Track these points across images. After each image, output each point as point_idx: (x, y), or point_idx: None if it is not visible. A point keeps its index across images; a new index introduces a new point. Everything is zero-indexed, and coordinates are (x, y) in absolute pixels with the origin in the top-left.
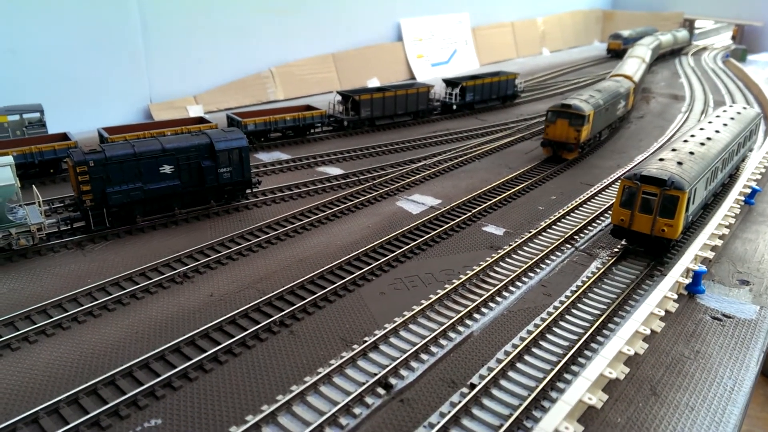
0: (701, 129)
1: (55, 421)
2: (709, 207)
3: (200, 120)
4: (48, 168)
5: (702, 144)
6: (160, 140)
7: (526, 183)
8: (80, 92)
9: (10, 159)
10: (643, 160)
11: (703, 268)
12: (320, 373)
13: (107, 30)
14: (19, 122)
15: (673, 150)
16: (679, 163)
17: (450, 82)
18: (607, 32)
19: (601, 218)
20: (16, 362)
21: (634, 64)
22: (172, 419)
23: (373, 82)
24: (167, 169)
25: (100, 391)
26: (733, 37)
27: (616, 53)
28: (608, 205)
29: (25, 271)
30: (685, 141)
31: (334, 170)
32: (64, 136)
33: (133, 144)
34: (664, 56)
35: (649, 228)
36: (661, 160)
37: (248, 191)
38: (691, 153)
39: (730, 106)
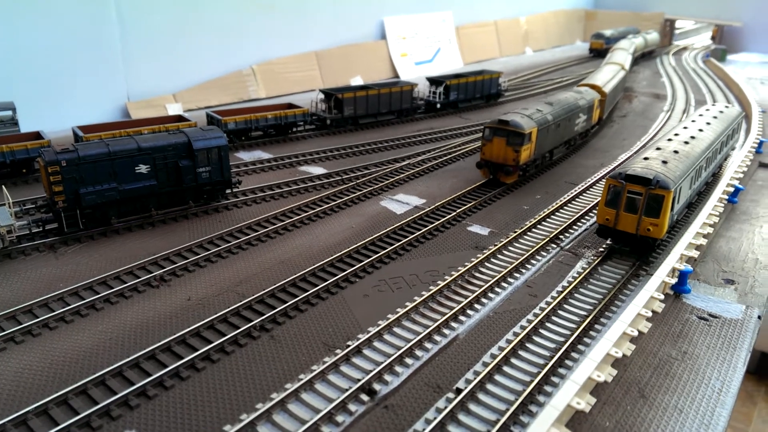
0: (685, 128)
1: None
2: (693, 206)
3: (179, 118)
4: (20, 168)
5: (686, 143)
6: (135, 139)
7: (510, 183)
8: (54, 90)
9: None
10: (626, 159)
11: (689, 267)
12: (302, 379)
13: (83, 25)
14: None
15: (658, 149)
16: (664, 162)
17: (434, 81)
18: (589, 32)
19: (586, 217)
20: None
21: (608, 73)
22: (147, 430)
23: (357, 81)
24: (143, 168)
25: (71, 401)
26: (713, 38)
27: (599, 52)
28: (593, 204)
29: None
30: (669, 140)
31: (317, 170)
32: (37, 135)
33: (107, 143)
34: (637, 60)
35: (635, 227)
36: (645, 159)
37: (228, 191)
38: (676, 152)
39: (713, 105)
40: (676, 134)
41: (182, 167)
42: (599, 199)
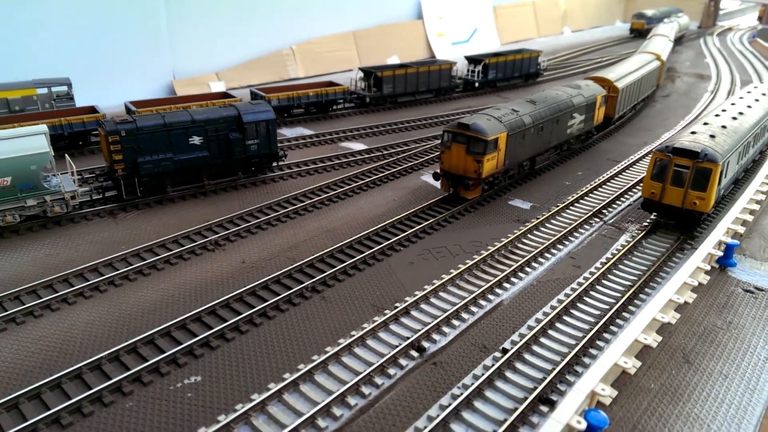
0: (732, 104)
1: (97, 376)
2: (739, 182)
3: (225, 95)
4: (77, 140)
5: (734, 118)
6: (189, 111)
7: (551, 160)
8: (105, 68)
9: (44, 128)
10: (670, 137)
11: (736, 241)
12: (353, 336)
13: (132, 7)
14: (47, 95)
15: (705, 123)
16: (712, 136)
17: (472, 60)
18: (629, 12)
19: (629, 193)
20: (56, 322)
21: (634, 64)
22: (211, 377)
23: (393, 60)
24: (196, 140)
25: (139, 349)
26: (760, 18)
27: (640, 33)
28: (636, 180)
29: (60, 238)
30: (717, 115)
31: (358, 145)
32: (92, 109)
33: (163, 115)
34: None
35: (681, 201)
36: (693, 133)
37: (274, 164)
38: (724, 127)
39: (761, 83)
40: (723, 110)
41: (232, 139)
42: (643, 174)
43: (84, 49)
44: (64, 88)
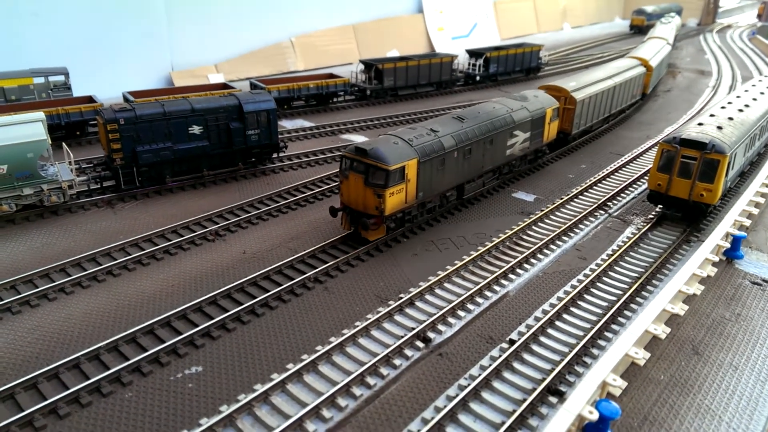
0: (738, 96)
1: (96, 366)
2: (745, 175)
3: (224, 86)
4: (74, 130)
5: (740, 110)
6: (189, 100)
7: (554, 153)
8: (103, 58)
9: (41, 115)
10: (673, 131)
11: (743, 233)
12: (358, 326)
13: None
14: (44, 85)
15: (712, 115)
16: (719, 128)
17: (473, 53)
18: (629, 8)
19: (634, 186)
20: (53, 312)
21: (608, 71)
22: (213, 367)
23: (393, 54)
24: (196, 129)
25: (139, 339)
26: (759, 15)
27: (640, 29)
28: (640, 173)
29: (57, 227)
30: (723, 107)
31: (358, 138)
32: (89, 99)
33: (162, 104)
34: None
35: (687, 193)
36: (700, 124)
37: (275, 155)
38: (730, 118)
39: (765, 77)
40: (729, 102)
41: (233, 129)
42: (647, 167)
43: (82, 39)
44: (62, 78)
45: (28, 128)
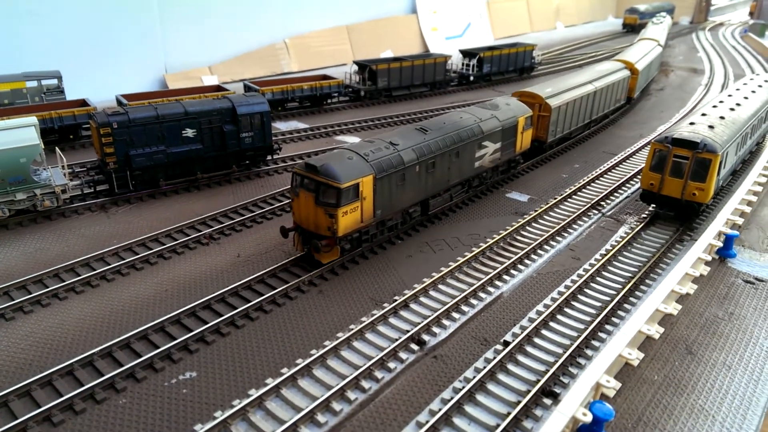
0: (729, 96)
1: (89, 373)
2: (737, 174)
3: (218, 88)
4: (67, 134)
5: (731, 110)
6: (182, 104)
7: (549, 152)
8: (96, 60)
9: (34, 119)
10: (666, 130)
11: (735, 232)
12: (352, 329)
13: (124, 1)
14: (37, 88)
15: (703, 114)
16: (711, 127)
17: (467, 53)
18: (621, 7)
19: (627, 185)
20: (47, 317)
21: (584, 76)
22: (207, 372)
23: (387, 55)
24: (189, 132)
25: (133, 345)
26: (751, 13)
27: (633, 28)
28: (633, 172)
29: (50, 232)
30: (714, 106)
31: (353, 139)
32: (83, 103)
33: (155, 107)
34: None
35: (680, 192)
36: (691, 123)
37: (269, 157)
38: (722, 117)
39: (756, 75)
40: (720, 101)
41: (226, 132)
42: (640, 167)
43: (75, 42)
44: (54, 82)
45: (21, 133)
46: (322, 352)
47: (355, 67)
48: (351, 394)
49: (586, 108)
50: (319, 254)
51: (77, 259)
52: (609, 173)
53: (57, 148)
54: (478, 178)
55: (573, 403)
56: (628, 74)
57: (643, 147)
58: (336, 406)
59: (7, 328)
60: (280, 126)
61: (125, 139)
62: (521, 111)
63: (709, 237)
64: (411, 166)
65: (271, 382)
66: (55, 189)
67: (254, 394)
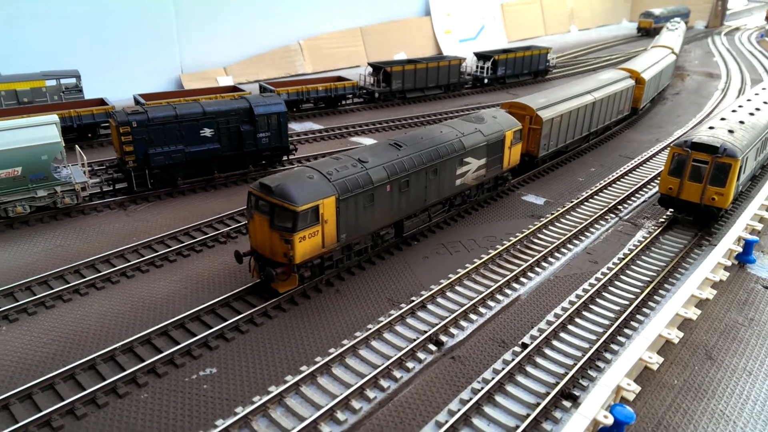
0: (748, 100)
1: (111, 368)
2: (756, 179)
3: (234, 89)
4: (86, 133)
5: (751, 114)
6: (201, 103)
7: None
8: (114, 60)
9: (55, 117)
10: (682, 135)
11: (755, 237)
12: (370, 329)
13: (141, 2)
14: (56, 87)
15: (723, 119)
16: (731, 131)
17: (482, 56)
18: (636, 10)
19: (644, 189)
20: (69, 312)
21: (587, 85)
22: (227, 369)
23: (400, 57)
24: (207, 132)
25: (153, 341)
26: (767, 18)
27: (647, 32)
28: (650, 177)
29: (70, 229)
30: (734, 111)
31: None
32: (100, 102)
33: (174, 106)
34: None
35: (699, 197)
36: (711, 128)
37: (285, 158)
38: (741, 122)
39: None
40: (740, 106)
41: (243, 132)
42: (657, 171)
43: (93, 42)
44: (73, 81)
45: (43, 131)
46: (340, 350)
47: (370, 69)
48: (370, 393)
49: (583, 120)
50: (275, 282)
51: (97, 255)
52: (626, 177)
53: (77, 146)
54: (460, 197)
55: (594, 406)
56: (632, 84)
57: (659, 151)
58: (355, 404)
59: (29, 322)
60: (295, 127)
61: (144, 138)
62: (509, 124)
63: (728, 242)
64: (381, 186)
65: (291, 380)
66: (75, 186)
67: (274, 390)
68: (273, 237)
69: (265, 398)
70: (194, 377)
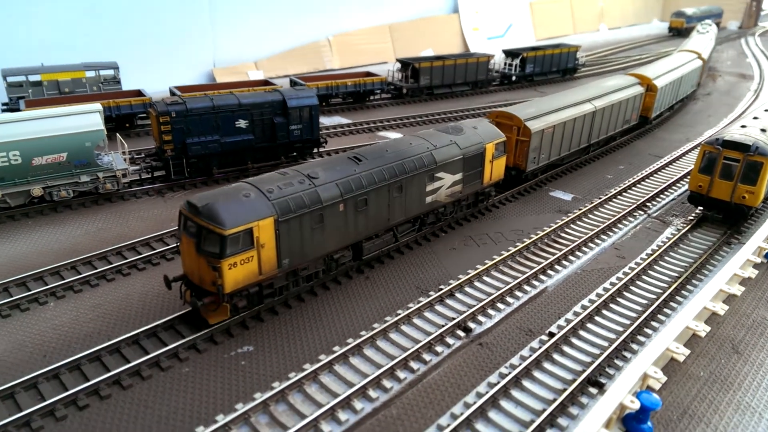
0: None
1: (154, 343)
2: None
3: (265, 83)
4: (124, 122)
5: None
6: (236, 95)
7: (592, 154)
8: (150, 54)
9: (98, 106)
10: (714, 133)
11: None
12: (399, 314)
13: None
14: (95, 78)
15: (755, 118)
16: (763, 130)
17: (510, 53)
18: (668, 10)
19: (673, 188)
20: (112, 291)
21: (590, 91)
22: (263, 347)
23: (428, 54)
24: (242, 123)
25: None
26: None
27: (679, 31)
28: (679, 175)
29: (111, 214)
30: (766, 110)
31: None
32: (138, 93)
33: (211, 98)
34: None
35: (729, 195)
36: (743, 126)
37: (315, 150)
38: None
39: None
40: None
41: (276, 124)
42: (687, 170)
43: (131, 36)
44: (111, 72)
45: (87, 118)
46: (371, 333)
47: (398, 65)
48: (400, 374)
49: (581, 131)
50: (205, 311)
51: (138, 238)
52: (655, 175)
53: (118, 135)
54: (433, 214)
55: (621, 390)
56: (641, 91)
57: (689, 150)
58: (386, 383)
59: (75, 299)
60: (324, 121)
61: (182, 127)
62: (491, 136)
63: (758, 239)
64: (332, 205)
65: (325, 358)
66: (116, 173)
67: (309, 368)
68: (201, 263)
69: (301, 375)
70: (232, 354)
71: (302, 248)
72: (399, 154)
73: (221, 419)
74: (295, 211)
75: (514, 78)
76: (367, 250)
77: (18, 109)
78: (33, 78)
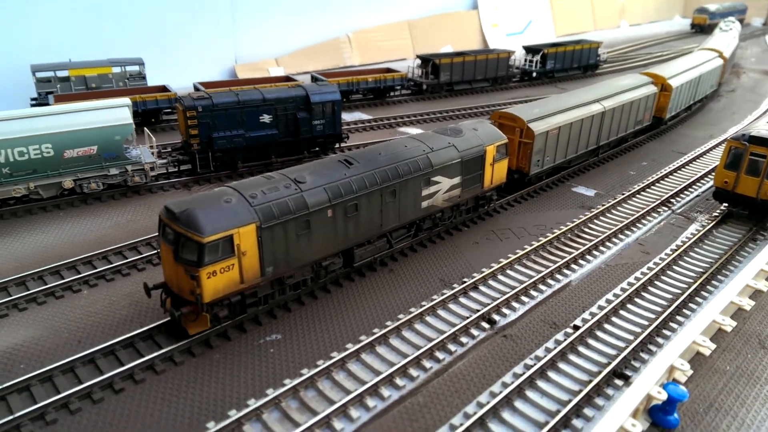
0: None
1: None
2: None
3: (287, 79)
4: (149, 117)
5: None
6: (260, 91)
7: (615, 149)
8: (175, 51)
9: (127, 101)
10: (739, 129)
11: None
12: (424, 306)
13: None
14: (121, 74)
15: None
16: None
17: (531, 49)
18: (690, 7)
19: (698, 184)
20: (143, 280)
21: (580, 95)
22: (291, 335)
23: (447, 50)
24: (266, 118)
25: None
26: None
27: (701, 28)
28: (704, 172)
29: (139, 206)
30: None
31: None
32: (163, 88)
33: (236, 93)
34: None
35: (755, 191)
36: None
37: (337, 145)
38: None
39: None
40: None
41: (300, 119)
42: (712, 166)
43: (155, 33)
44: (137, 68)
45: (116, 112)
46: (397, 323)
47: (419, 61)
48: (426, 363)
49: (588, 132)
50: (185, 321)
51: None
52: (679, 171)
53: (146, 129)
54: (432, 219)
55: (648, 382)
56: (655, 91)
57: (713, 147)
58: (413, 372)
59: (108, 288)
60: (345, 116)
61: (208, 122)
62: (492, 138)
63: None
64: (319, 210)
65: (351, 347)
66: (144, 166)
67: (336, 356)
68: (179, 271)
69: (328, 362)
70: (261, 342)
71: (287, 256)
72: (393, 157)
73: (253, 403)
74: (279, 217)
75: (534, 74)
76: (359, 256)
77: (47, 104)
78: (61, 74)
